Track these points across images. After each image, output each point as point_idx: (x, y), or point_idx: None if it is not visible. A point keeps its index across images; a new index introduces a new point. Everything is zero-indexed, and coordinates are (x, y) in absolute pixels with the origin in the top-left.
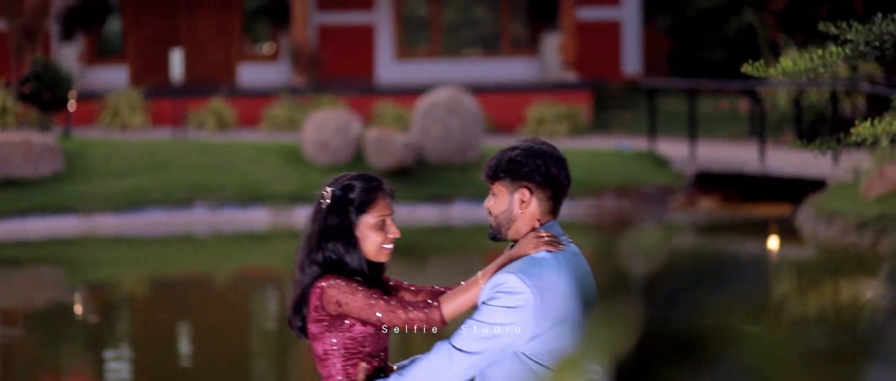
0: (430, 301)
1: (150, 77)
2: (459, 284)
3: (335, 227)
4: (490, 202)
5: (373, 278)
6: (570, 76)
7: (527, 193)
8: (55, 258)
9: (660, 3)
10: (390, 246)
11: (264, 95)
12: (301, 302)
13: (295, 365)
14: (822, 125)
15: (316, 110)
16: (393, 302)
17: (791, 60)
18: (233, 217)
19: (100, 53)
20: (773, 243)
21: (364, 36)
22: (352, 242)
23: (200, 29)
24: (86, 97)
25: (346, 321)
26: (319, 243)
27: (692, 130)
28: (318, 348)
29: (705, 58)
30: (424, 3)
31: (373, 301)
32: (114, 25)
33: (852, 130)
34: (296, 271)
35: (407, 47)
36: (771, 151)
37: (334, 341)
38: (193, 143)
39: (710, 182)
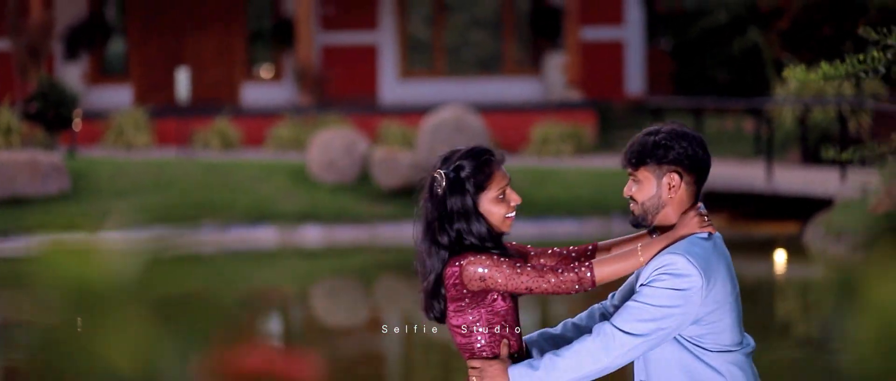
0: (580, 262)
1: (155, 97)
2: (592, 247)
3: (458, 209)
4: (632, 189)
5: (502, 248)
6: (574, 96)
7: (676, 177)
8: None
9: (664, 23)
10: (513, 215)
11: (269, 115)
12: (438, 287)
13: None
14: (828, 144)
15: (321, 130)
16: (538, 267)
17: (832, 66)
18: (240, 236)
19: (104, 73)
20: (781, 260)
21: (368, 56)
22: (478, 219)
23: (204, 49)
24: (90, 117)
25: (489, 296)
26: (443, 226)
27: None
28: (461, 325)
29: (710, 77)
30: (428, 22)
31: (519, 270)
32: (118, 45)
33: (894, 137)
34: (421, 259)
35: (410, 67)
36: (778, 170)
37: (476, 317)
38: (199, 162)
39: (717, 201)
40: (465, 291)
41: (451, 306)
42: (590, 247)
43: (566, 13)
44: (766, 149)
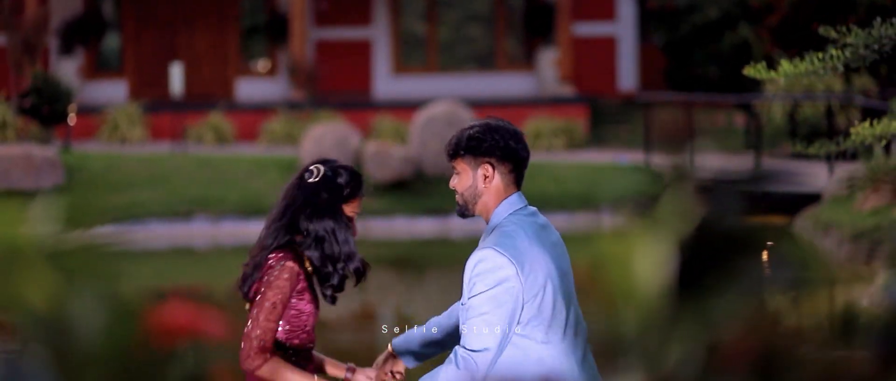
0: (263, 352)
1: (149, 92)
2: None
3: (325, 203)
4: (455, 181)
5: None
6: (567, 91)
7: (489, 168)
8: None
9: (655, 19)
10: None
11: (262, 110)
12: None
13: None
14: (817, 139)
15: (314, 125)
16: (272, 323)
17: (792, 64)
18: (233, 230)
19: (99, 68)
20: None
21: (361, 51)
22: (343, 221)
23: (198, 44)
24: (85, 111)
25: (294, 298)
26: (301, 215)
27: (689, 142)
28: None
29: (701, 73)
30: (421, 18)
31: (269, 304)
32: (113, 40)
33: (852, 130)
34: (263, 237)
35: (404, 63)
36: (767, 164)
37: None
38: (193, 157)
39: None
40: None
41: (256, 289)
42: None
43: (559, 9)
44: (755, 144)
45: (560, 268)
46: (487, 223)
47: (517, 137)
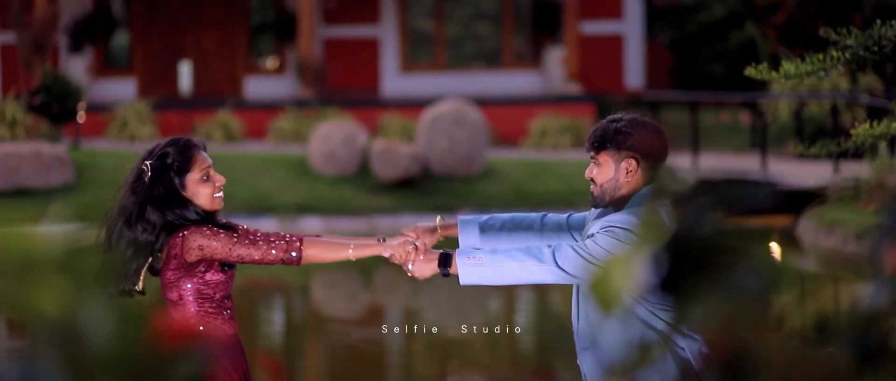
0: (291, 239)
1: (158, 89)
2: (320, 236)
3: (162, 194)
4: (593, 171)
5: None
6: (574, 89)
7: (633, 162)
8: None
9: (662, 18)
10: (220, 194)
11: (270, 108)
12: (131, 263)
13: (301, 372)
14: (822, 137)
15: (322, 122)
16: (252, 238)
17: (793, 65)
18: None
19: (108, 66)
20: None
21: (369, 49)
22: (182, 202)
23: (207, 42)
24: (94, 109)
25: (201, 268)
26: (144, 212)
27: (694, 142)
28: (173, 294)
29: (707, 71)
30: (429, 16)
31: (235, 240)
32: (122, 38)
33: (852, 131)
34: (112, 239)
35: (412, 61)
36: (772, 163)
37: (188, 286)
38: None
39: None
40: (181, 260)
41: (169, 275)
42: (303, 237)
43: (566, 7)
44: (761, 142)
45: None
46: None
47: (663, 136)
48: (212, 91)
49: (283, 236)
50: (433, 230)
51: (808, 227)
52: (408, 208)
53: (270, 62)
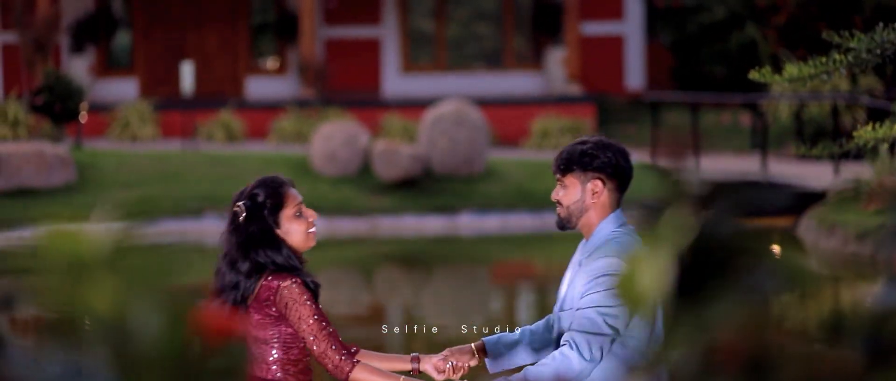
0: (351, 354)
1: (159, 90)
2: (355, 349)
3: (257, 234)
4: (559, 194)
5: (302, 267)
6: (574, 90)
7: (599, 183)
8: None
9: (663, 19)
10: (314, 230)
11: (272, 108)
12: (243, 300)
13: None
14: (822, 139)
15: (323, 123)
16: (327, 330)
17: (796, 67)
18: None
19: (110, 66)
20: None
21: (371, 50)
22: (276, 243)
23: (209, 43)
24: (96, 109)
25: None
26: (246, 253)
27: (695, 143)
28: (260, 334)
29: (707, 72)
30: (430, 17)
31: (313, 321)
32: (123, 39)
33: (854, 133)
34: (224, 280)
35: (413, 61)
36: (773, 164)
37: (276, 332)
38: (203, 154)
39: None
40: (273, 309)
41: (257, 315)
42: (353, 348)
43: (566, 8)
44: (761, 143)
45: None
46: (587, 238)
47: (626, 156)
48: (213, 91)
49: (344, 347)
50: (471, 353)
51: (808, 227)
52: (409, 208)
53: (272, 62)
